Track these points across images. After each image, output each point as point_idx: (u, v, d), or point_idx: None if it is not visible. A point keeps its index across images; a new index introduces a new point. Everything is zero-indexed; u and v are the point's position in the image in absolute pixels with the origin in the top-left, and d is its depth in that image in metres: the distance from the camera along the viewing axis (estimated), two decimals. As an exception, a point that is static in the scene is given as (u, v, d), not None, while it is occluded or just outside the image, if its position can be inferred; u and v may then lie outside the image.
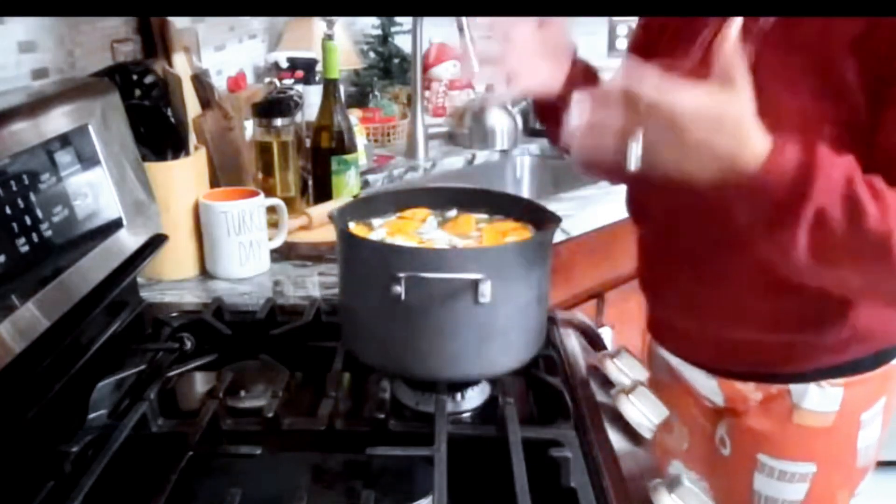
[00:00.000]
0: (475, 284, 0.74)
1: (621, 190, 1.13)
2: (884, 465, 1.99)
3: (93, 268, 0.87)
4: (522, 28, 0.95)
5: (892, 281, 0.73)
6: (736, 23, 0.64)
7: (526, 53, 0.94)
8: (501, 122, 2.05)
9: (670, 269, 1.01)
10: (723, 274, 0.92)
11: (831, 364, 0.93)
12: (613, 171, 0.70)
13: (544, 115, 1.07)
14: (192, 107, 1.32)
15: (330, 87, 1.47)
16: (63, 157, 0.84)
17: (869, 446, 0.97)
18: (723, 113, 0.65)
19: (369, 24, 2.35)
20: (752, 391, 0.97)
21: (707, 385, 1.03)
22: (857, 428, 0.95)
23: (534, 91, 0.99)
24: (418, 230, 0.89)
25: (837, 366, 0.93)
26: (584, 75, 1.00)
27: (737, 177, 0.66)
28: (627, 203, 1.09)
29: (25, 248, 0.75)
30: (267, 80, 1.86)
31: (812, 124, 0.76)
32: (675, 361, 1.07)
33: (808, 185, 0.66)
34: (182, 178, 1.18)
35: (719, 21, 0.80)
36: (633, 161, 0.65)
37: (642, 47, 1.02)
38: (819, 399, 0.93)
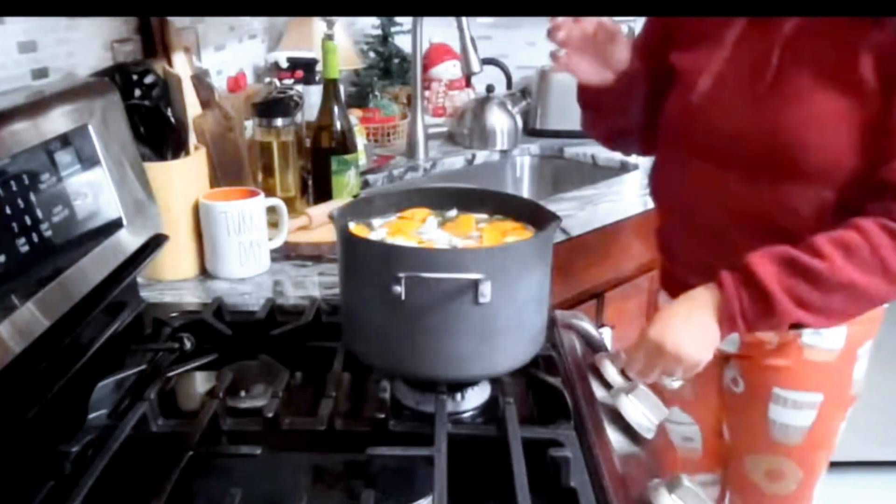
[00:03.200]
0: (475, 284, 0.74)
1: (621, 190, 1.13)
2: (884, 465, 2.00)
3: (93, 268, 0.87)
4: (590, 28, 1.04)
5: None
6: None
7: (588, 46, 1.06)
8: (501, 122, 2.05)
9: (688, 236, 1.12)
10: (740, 242, 0.98)
11: None
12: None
13: (585, 100, 1.17)
14: (192, 107, 1.32)
15: (330, 87, 1.47)
16: (63, 157, 0.84)
17: (860, 377, 1.12)
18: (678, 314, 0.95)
19: (369, 24, 2.35)
20: (771, 337, 1.08)
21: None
22: (854, 361, 1.10)
23: (582, 77, 1.10)
24: (418, 230, 0.89)
25: None
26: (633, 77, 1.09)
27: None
28: (649, 180, 1.21)
29: (25, 248, 0.75)
30: (267, 80, 1.86)
31: (838, 126, 0.93)
32: None
33: (772, 307, 0.91)
34: (182, 178, 1.18)
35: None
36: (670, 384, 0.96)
37: (656, 43, 1.12)
38: (827, 338, 1.07)
